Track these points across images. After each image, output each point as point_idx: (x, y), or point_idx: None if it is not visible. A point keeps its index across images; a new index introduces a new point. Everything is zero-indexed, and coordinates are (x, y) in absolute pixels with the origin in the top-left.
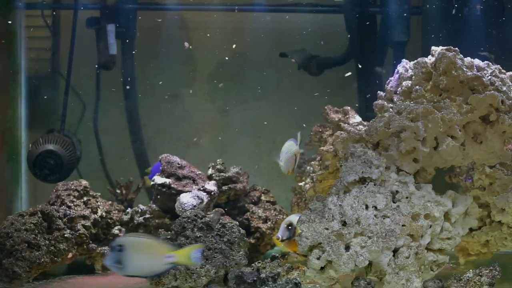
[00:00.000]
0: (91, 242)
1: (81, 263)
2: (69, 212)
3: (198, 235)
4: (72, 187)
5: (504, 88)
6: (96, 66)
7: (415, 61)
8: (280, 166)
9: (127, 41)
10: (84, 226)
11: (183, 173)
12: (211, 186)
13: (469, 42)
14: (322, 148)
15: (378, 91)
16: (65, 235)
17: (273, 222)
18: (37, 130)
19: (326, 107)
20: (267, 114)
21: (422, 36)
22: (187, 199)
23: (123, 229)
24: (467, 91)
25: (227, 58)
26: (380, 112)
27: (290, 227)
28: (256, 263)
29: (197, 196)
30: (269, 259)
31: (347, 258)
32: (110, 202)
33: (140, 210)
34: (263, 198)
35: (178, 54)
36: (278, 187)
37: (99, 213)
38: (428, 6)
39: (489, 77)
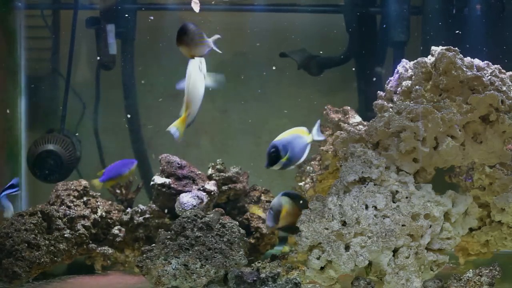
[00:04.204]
0: (91, 242)
1: (81, 263)
2: (69, 212)
3: (198, 235)
4: (72, 187)
5: (504, 88)
6: (96, 66)
7: (415, 61)
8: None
9: (127, 41)
10: (84, 226)
11: (183, 173)
12: (211, 186)
13: (469, 42)
14: (322, 148)
15: (378, 91)
16: (65, 235)
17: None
18: (37, 130)
19: (326, 107)
20: (267, 114)
21: (422, 36)
22: (187, 199)
23: (123, 229)
24: (467, 91)
25: (227, 58)
26: (380, 112)
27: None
28: (256, 263)
29: (197, 196)
30: (269, 259)
31: (347, 258)
32: (110, 202)
33: (140, 210)
34: (263, 198)
35: (178, 54)
36: (278, 187)
37: (99, 213)
38: (428, 6)
39: (489, 77)
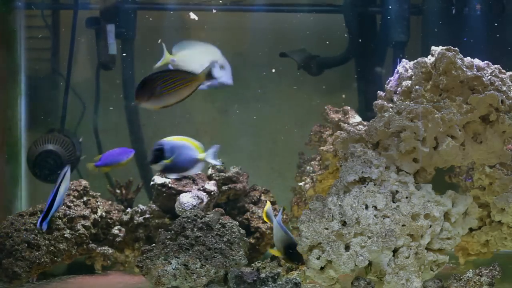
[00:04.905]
0: (91, 242)
1: (81, 263)
2: (69, 212)
3: (198, 235)
4: (72, 187)
5: (504, 88)
6: (96, 66)
7: (415, 61)
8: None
9: (127, 41)
10: (84, 226)
11: None
12: (211, 186)
13: (469, 42)
14: (322, 148)
15: (378, 91)
16: (65, 235)
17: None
18: (37, 130)
19: (326, 107)
20: (267, 114)
21: (422, 36)
22: (187, 199)
23: (123, 229)
24: (467, 91)
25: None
26: (380, 112)
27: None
28: (256, 263)
29: (197, 196)
30: (269, 259)
31: (347, 258)
32: (110, 202)
33: (140, 210)
34: (263, 198)
35: None
36: (278, 187)
37: (99, 213)
38: (428, 6)
39: (489, 77)
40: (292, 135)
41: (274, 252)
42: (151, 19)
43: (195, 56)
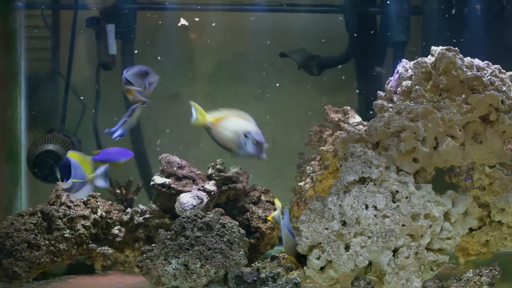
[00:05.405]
0: (91, 242)
1: (81, 263)
2: (69, 212)
3: (198, 235)
4: None
5: (504, 88)
6: (96, 66)
7: (415, 61)
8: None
9: (127, 41)
10: (84, 226)
11: (183, 173)
12: (211, 186)
13: (469, 42)
14: (322, 148)
15: (378, 91)
16: (65, 235)
17: (273, 222)
18: (37, 130)
19: (326, 107)
20: (267, 114)
21: (422, 36)
22: (187, 199)
23: (123, 229)
24: (467, 91)
25: (227, 58)
26: (380, 112)
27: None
28: (256, 263)
29: (197, 196)
30: (269, 259)
31: (347, 258)
32: (110, 202)
33: (140, 210)
34: (263, 198)
35: (178, 54)
36: (278, 187)
37: (99, 213)
38: (428, 6)
39: (489, 77)
40: (292, 135)
41: (291, 261)
42: (158, 21)
43: (230, 124)
